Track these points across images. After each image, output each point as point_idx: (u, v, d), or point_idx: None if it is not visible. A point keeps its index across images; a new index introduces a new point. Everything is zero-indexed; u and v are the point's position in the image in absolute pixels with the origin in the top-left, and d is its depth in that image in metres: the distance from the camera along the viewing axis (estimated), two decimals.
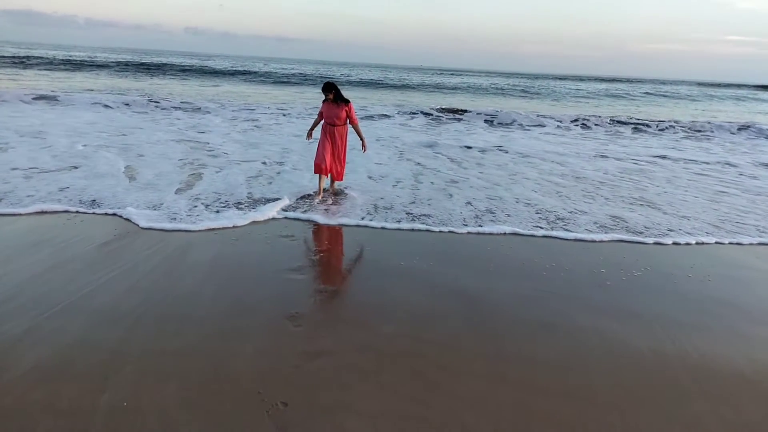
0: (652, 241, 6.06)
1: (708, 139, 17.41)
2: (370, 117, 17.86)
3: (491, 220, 6.50)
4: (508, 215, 6.78)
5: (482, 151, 12.06)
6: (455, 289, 4.42)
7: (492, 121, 18.15)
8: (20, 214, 5.77)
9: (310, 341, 3.43)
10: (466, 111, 19.12)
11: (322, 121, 7.22)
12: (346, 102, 7.06)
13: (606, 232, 6.25)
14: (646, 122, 19.47)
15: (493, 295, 4.36)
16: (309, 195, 7.15)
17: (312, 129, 7.38)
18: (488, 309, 4.09)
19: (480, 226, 6.26)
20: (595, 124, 19.09)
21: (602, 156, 12.23)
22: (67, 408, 2.65)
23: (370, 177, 8.50)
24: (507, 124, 17.65)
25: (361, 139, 7.24)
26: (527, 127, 17.42)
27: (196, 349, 3.26)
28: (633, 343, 3.67)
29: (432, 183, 8.41)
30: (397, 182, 8.31)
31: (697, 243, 6.15)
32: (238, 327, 3.56)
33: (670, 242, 6.09)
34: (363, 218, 6.28)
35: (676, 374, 3.30)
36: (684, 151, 14.06)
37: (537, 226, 6.36)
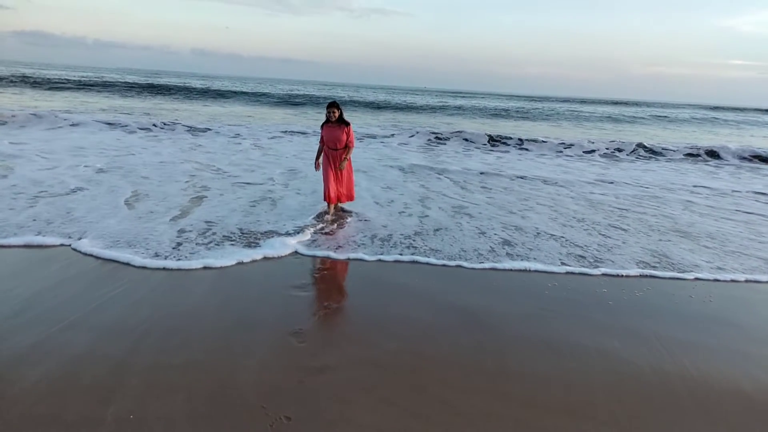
0: (692, 277, 5.62)
1: (706, 162, 17.39)
2: (373, 137, 18.05)
3: (507, 254, 5.97)
4: (530, 249, 6.21)
5: (484, 173, 12.11)
6: (457, 307, 4.47)
7: (491, 143, 18.19)
8: (9, 246, 5.38)
9: (314, 356, 3.47)
10: (467, 132, 19.22)
11: (324, 146, 7.14)
12: (347, 124, 7.03)
13: (644, 267, 5.77)
14: (648, 146, 19.43)
15: (495, 313, 4.40)
16: (311, 225, 6.65)
17: (318, 157, 7.24)
18: (490, 326, 4.13)
19: (497, 262, 5.71)
20: (603, 143, 19.20)
21: (606, 180, 12.13)
22: (75, 420, 2.69)
23: (377, 202, 8.23)
24: (506, 145, 17.72)
25: (346, 158, 7.08)
26: (526, 150, 17.44)
27: (201, 362, 3.30)
28: (634, 360, 3.70)
29: (440, 208, 8.08)
30: (405, 208, 7.99)
31: (747, 281, 5.64)
32: (243, 342, 3.61)
33: (728, 279, 5.63)
34: (375, 253, 5.75)
35: (676, 391, 3.32)
36: (686, 175, 14.10)
37: (563, 263, 5.77)
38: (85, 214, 6.65)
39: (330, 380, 3.18)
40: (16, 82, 34.08)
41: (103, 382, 3.03)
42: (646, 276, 5.58)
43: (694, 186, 12.06)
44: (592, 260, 5.94)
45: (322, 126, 7.17)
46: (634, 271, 5.68)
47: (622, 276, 5.53)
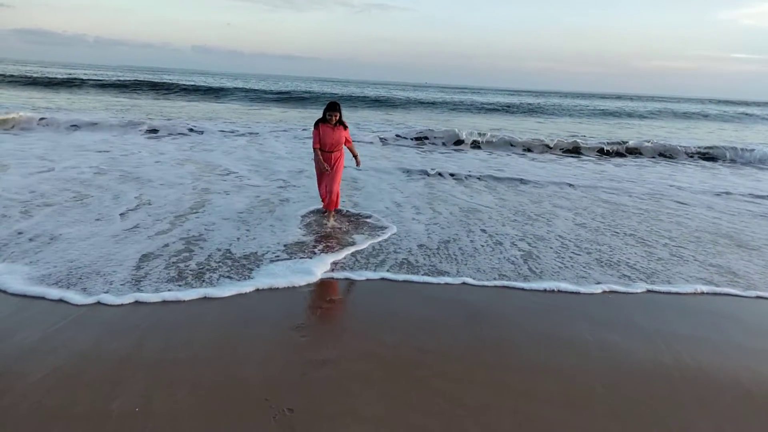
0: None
1: (703, 158, 17.09)
2: (371, 134, 17.83)
3: (531, 270, 5.32)
4: (561, 266, 5.49)
5: (488, 174, 12.02)
6: (458, 301, 4.51)
7: (489, 142, 17.67)
8: None
9: (316, 351, 3.53)
10: (465, 129, 18.93)
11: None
12: (345, 126, 6.61)
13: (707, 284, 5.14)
14: (644, 142, 18.77)
15: (495, 307, 4.44)
16: (311, 241, 5.92)
17: (319, 162, 6.55)
18: (491, 320, 4.18)
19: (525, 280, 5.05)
20: (596, 139, 19.04)
21: (612, 178, 11.89)
22: (81, 413, 2.74)
23: (386, 207, 7.74)
24: (502, 144, 17.18)
25: (355, 156, 6.85)
26: (522, 149, 16.67)
27: (205, 357, 3.35)
28: (634, 354, 3.74)
29: (451, 213, 7.58)
30: (417, 212, 7.50)
31: None
32: (246, 337, 3.67)
33: None
34: (396, 272, 5.10)
35: (675, 384, 3.36)
36: (684, 172, 14.04)
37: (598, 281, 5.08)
38: (64, 229, 5.84)
39: (332, 373, 3.23)
40: (17, 80, 34.10)
41: (109, 376, 3.08)
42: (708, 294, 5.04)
43: (702, 184, 11.82)
44: (645, 279, 5.26)
45: (316, 125, 6.51)
46: (687, 288, 5.08)
47: (681, 294, 4.98)
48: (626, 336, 4.02)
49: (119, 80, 39.37)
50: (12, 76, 36.80)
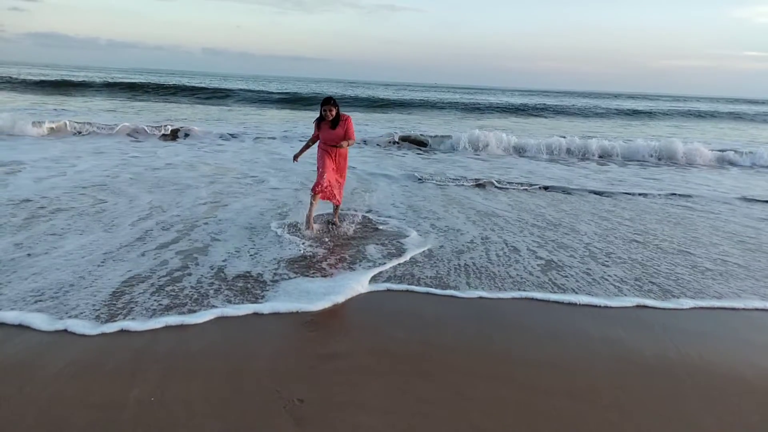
0: None
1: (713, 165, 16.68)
2: (381, 134, 17.77)
3: (553, 282, 4.98)
4: (589, 278, 5.11)
5: (498, 179, 12.01)
6: (464, 297, 4.58)
7: (498, 145, 17.17)
8: None
9: (325, 345, 3.63)
10: (474, 132, 18.72)
11: (318, 141, 6.41)
12: (345, 119, 6.19)
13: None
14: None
15: (501, 303, 4.51)
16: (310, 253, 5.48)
17: (302, 152, 6.60)
18: (497, 316, 4.25)
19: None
20: (601, 140, 18.86)
21: (620, 180, 11.71)
22: (99, 402, 2.84)
23: (402, 213, 7.46)
24: (516, 148, 16.80)
25: (347, 143, 6.22)
26: (532, 152, 16.04)
27: (218, 350, 3.46)
28: (637, 348, 3.78)
29: (468, 218, 7.34)
30: (434, 218, 7.23)
31: None
32: (257, 330, 3.78)
33: None
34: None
35: (678, 378, 3.40)
36: (690, 173, 13.89)
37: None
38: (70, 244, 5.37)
39: (340, 366, 3.32)
40: (31, 83, 34.55)
41: (126, 367, 3.19)
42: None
43: (719, 186, 11.64)
44: (692, 296, 4.84)
45: (316, 123, 6.35)
46: (738, 303, 4.73)
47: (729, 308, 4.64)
48: (630, 331, 4.06)
49: (131, 82, 39.70)
50: (25, 80, 37.21)
